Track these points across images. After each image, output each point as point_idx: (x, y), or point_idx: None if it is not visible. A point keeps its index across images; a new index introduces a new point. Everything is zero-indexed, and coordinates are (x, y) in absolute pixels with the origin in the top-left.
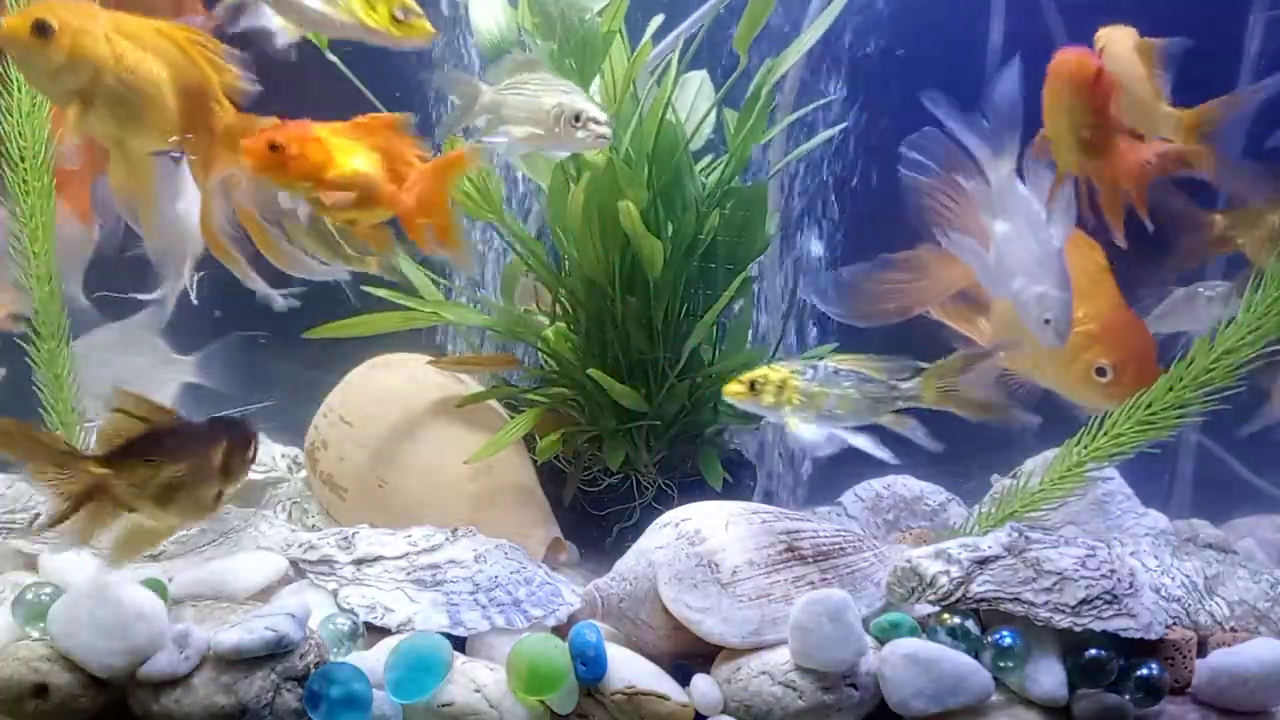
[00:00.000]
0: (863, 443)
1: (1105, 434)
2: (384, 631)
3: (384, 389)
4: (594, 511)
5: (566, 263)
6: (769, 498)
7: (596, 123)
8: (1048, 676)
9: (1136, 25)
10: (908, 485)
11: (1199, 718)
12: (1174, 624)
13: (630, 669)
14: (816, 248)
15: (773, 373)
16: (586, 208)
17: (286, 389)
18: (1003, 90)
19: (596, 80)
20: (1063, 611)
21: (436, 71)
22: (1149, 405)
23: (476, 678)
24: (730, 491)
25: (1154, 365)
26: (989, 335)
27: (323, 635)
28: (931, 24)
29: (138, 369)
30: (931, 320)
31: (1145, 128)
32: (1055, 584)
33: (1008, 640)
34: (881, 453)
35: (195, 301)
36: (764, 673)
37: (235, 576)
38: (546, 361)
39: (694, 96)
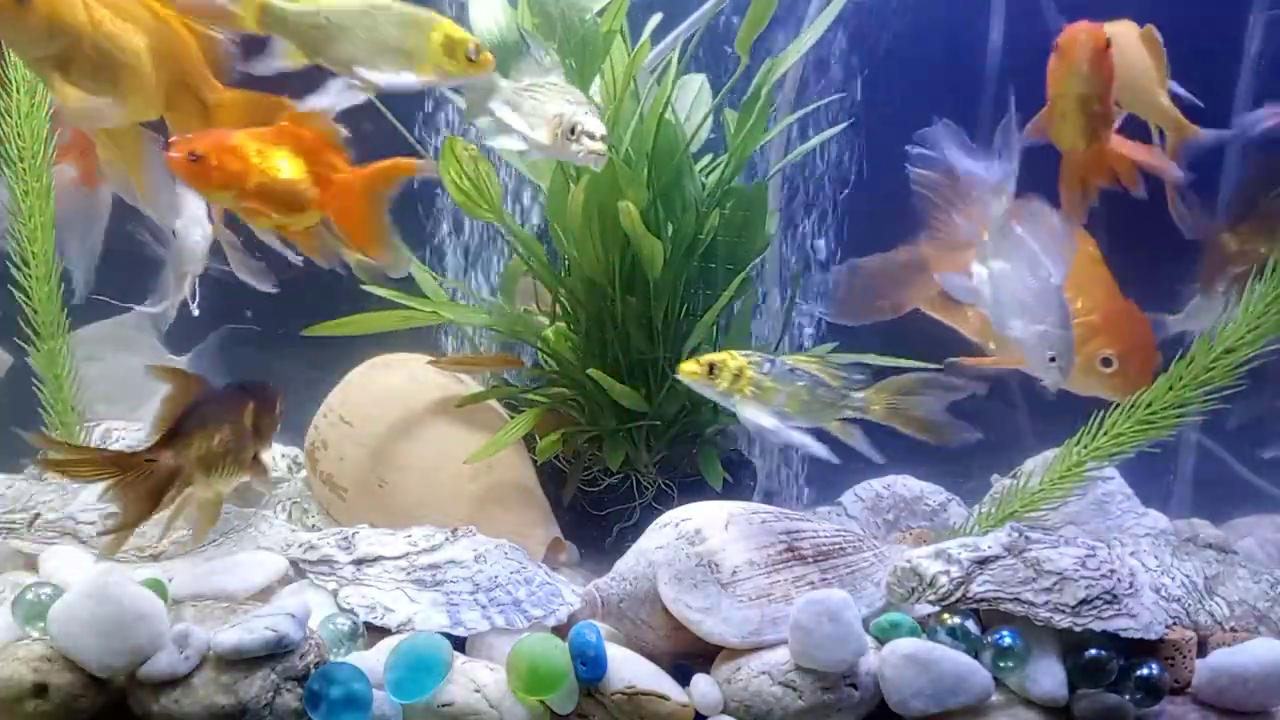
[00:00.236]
0: (802, 438)
1: (1105, 434)
2: (384, 631)
3: (384, 389)
4: (594, 511)
5: (566, 263)
6: (769, 498)
7: (590, 137)
8: (1048, 676)
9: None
10: (908, 485)
11: (1199, 718)
12: (1174, 624)
13: (630, 669)
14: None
15: (731, 359)
16: (586, 208)
17: (286, 389)
18: (1002, 134)
19: (596, 80)
20: (1063, 611)
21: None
22: (1149, 405)
23: (476, 678)
24: (730, 491)
25: (1155, 353)
26: (977, 329)
27: (323, 635)
28: (931, 24)
29: (131, 366)
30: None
31: (1145, 115)
32: (1055, 584)
33: (1008, 640)
34: (818, 450)
35: (196, 312)
36: (764, 673)
37: (235, 576)
38: (546, 361)
39: (693, 98)
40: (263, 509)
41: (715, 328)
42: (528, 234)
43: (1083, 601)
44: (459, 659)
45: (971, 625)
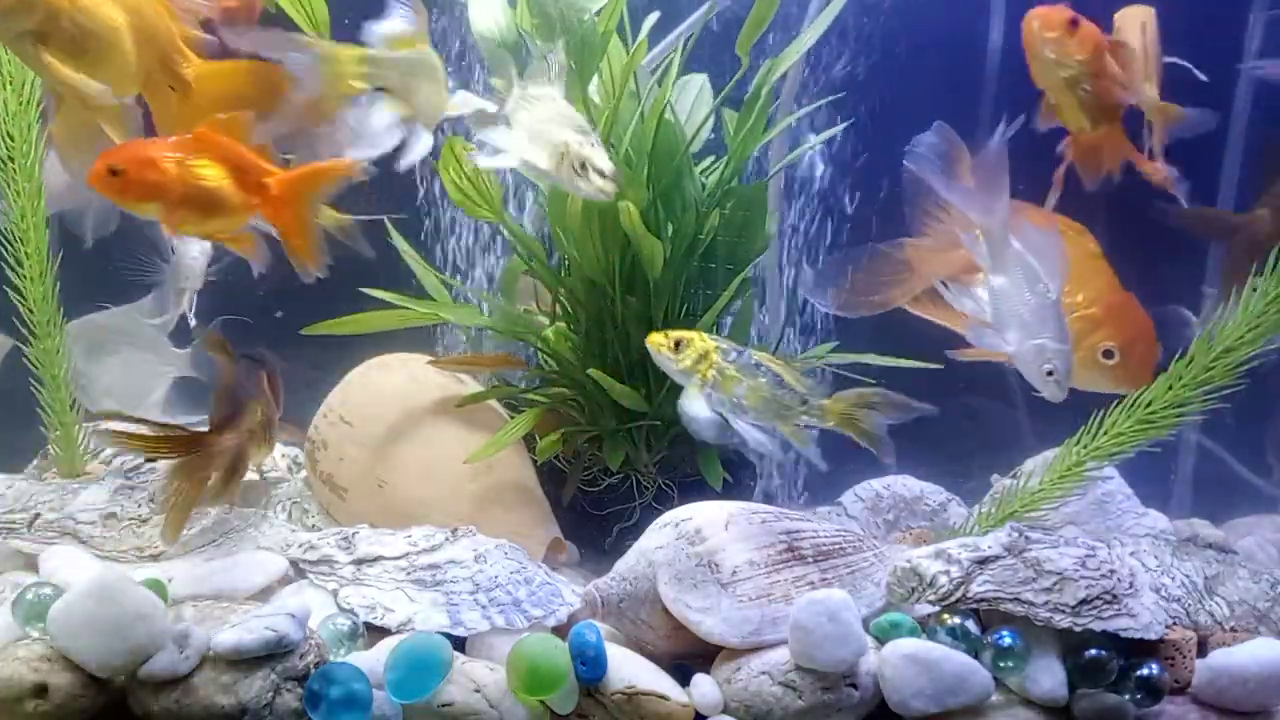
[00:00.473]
0: (750, 431)
1: (1105, 433)
2: (384, 631)
3: (384, 389)
4: (594, 511)
5: (566, 263)
6: (769, 498)
7: (602, 175)
8: (1048, 676)
9: None
10: (908, 485)
11: (1199, 718)
12: (1174, 624)
13: (630, 669)
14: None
15: (699, 340)
16: (586, 208)
17: (286, 389)
18: (991, 148)
19: (595, 79)
20: (1063, 611)
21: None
22: (1149, 404)
23: (476, 678)
24: (730, 491)
25: (1155, 344)
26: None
27: (323, 635)
28: (931, 24)
29: (133, 358)
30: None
31: (1135, 99)
32: (1055, 584)
33: (1008, 640)
34: (765, 447)
35: (194, 322)
36: (764, 673)
37: (235, 576)
38: (546, 361)
39: (694, 98)
40: (263, 509)
41: (715, 327)
42: (527, 234)
43: (1083, 601)
44: (459, 659)
45: (971, 625)
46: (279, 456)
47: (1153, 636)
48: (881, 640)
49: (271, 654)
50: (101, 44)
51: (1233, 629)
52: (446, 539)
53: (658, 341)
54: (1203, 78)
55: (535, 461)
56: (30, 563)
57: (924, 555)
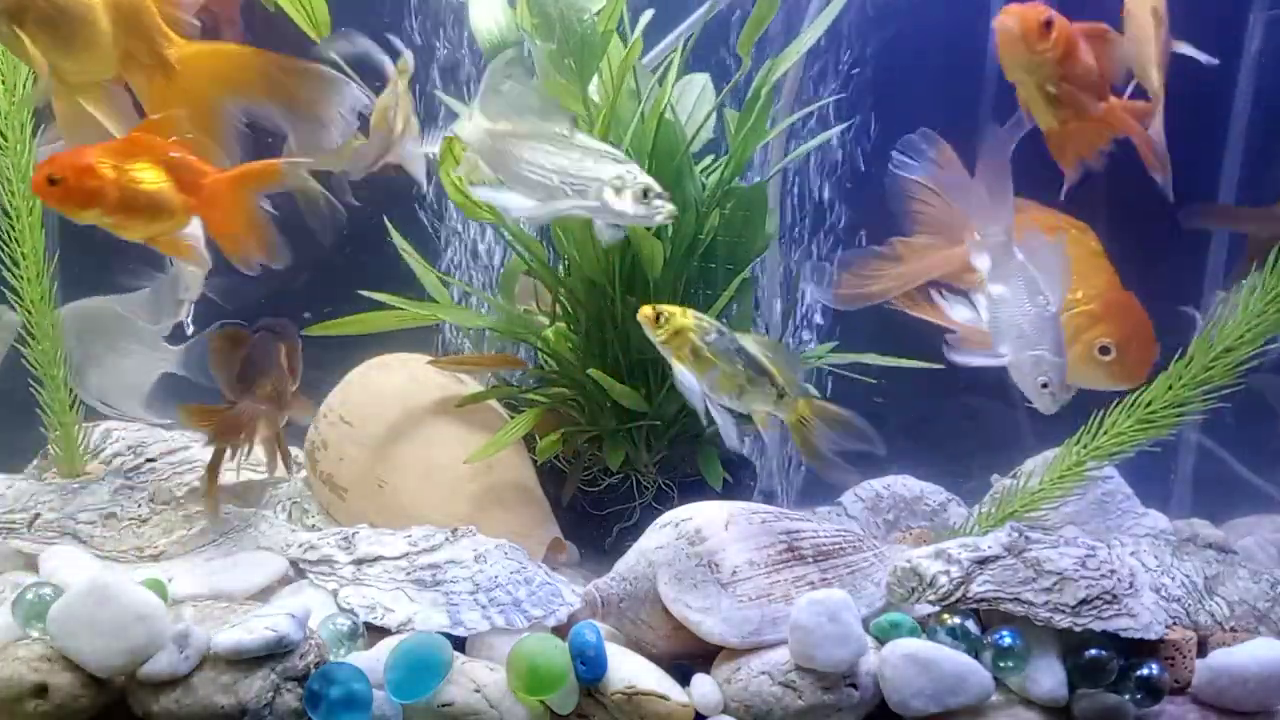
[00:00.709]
0: (718, 412)
1: (1105, 433)
2: (384, 631)
3: (384, 389)
4: (594, 511)
5: (566, 263)
6: (769, 498)
7: (661, 198)
8: (1048, 676)
9: None
10: (908, 485)
11: (1199, 718)
12: (1174, 624)
13: (630, 669)
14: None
15: (680, 316)
16: None
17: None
18: (992, 153)
19: (595, 79)
20: (1063, 611)
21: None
22: (1149, 404)
23: (476, 678)
24: (730, 491)
25: (1154, 343)
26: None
27: (323, 635)
28: (931, 24)
29: (125, 347)
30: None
31: (1143, 82)
32: (1055, 584)
33: (1008, 640)
34: (730, 432)
35: (191, 328)
36: (764, 673)
37: (235, 576)
38: (546, 361)
39: (695, 98)
40: (263, 509)
41: None
42: (528, 234)
43: (1083, 601)
44: (459, 659)
45: (971, 625)
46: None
47: (1153, 636)
48: (881, 640)
49: (271, 654)
50: (77, 22)
51: (1233, 629)
52: (446, 539)
53: (645, 314)
54: (1211, 60)
55: (535, 461)
56: (30, 563)
57: (924, 555)
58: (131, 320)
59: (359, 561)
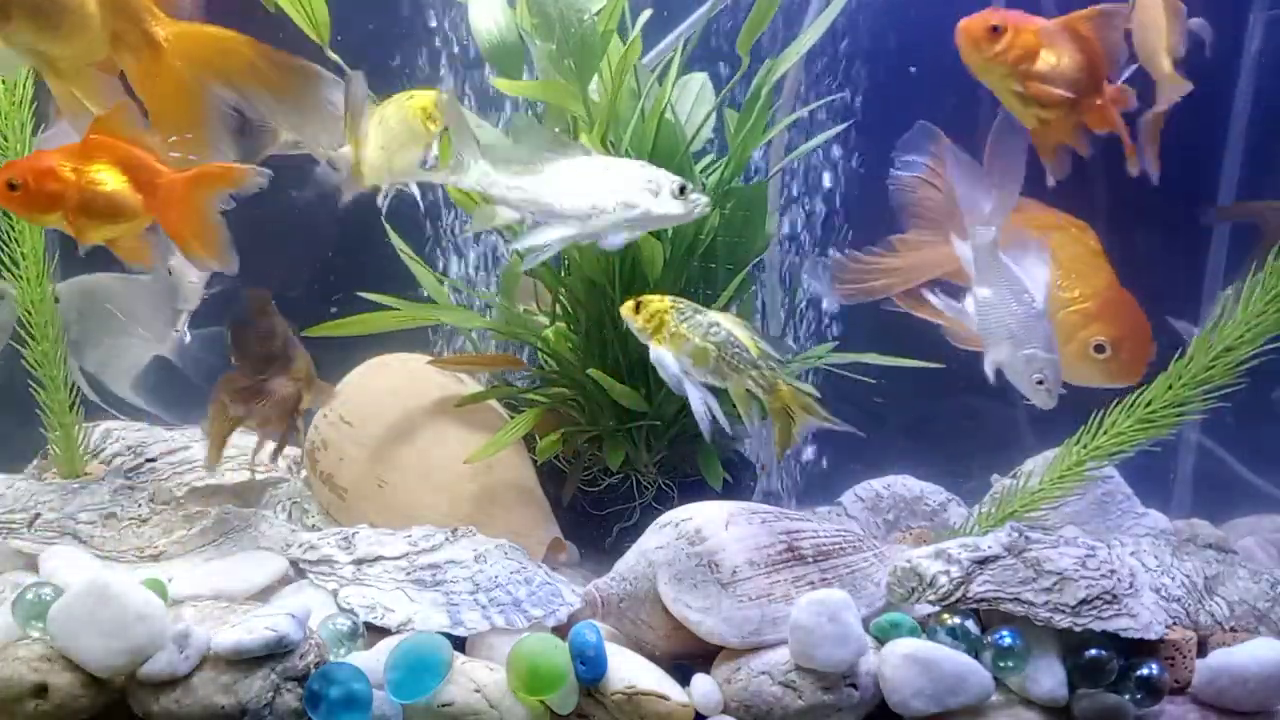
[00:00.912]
0: (693, 391)
1: (1105, 433)
2: (384, 631)
3: (384, 389)
4: (594, 511)
5: (566, 263)
6: (769, 498)
7: (696, 191)
8: (1048, 676)
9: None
10: (908, 485)
11: (1199, 718)
12: (1174, 624)
13: (630, 669)
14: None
15: (656, 303)
16: None
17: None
18: (995, 154)
19: (595, 79)
20: (1063, 611)
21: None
22: (1149, 404)
23: (476, 678)
24: (730, 491)
25: (1150, 342)
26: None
27: (323, 635)
28: (932, 24)
29: (123, 327)
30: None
31: (1149, 68)
32: (1055, 584)
33: (1008, 640)
34: (700, 412)
35: (188, 338)
36: (764, 673)
37: (235, 576)
38: (546, 361)
39: (695, 97)
40: (263, 509)
41: None
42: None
43: (1083, 601)
44: (459, 659)
45: (971, 625)
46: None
47: (1153, 636)
48: (881, 640)
49: (271, 654)
50: (64, 4)
51: (1233, 629)
52: (446, 539)
53: (627, 307)
54: (1203, 24)
55: (535, 461)
56: (30, 563)
57: (924, 555)
58: (132, 298)
59: (359, 561)
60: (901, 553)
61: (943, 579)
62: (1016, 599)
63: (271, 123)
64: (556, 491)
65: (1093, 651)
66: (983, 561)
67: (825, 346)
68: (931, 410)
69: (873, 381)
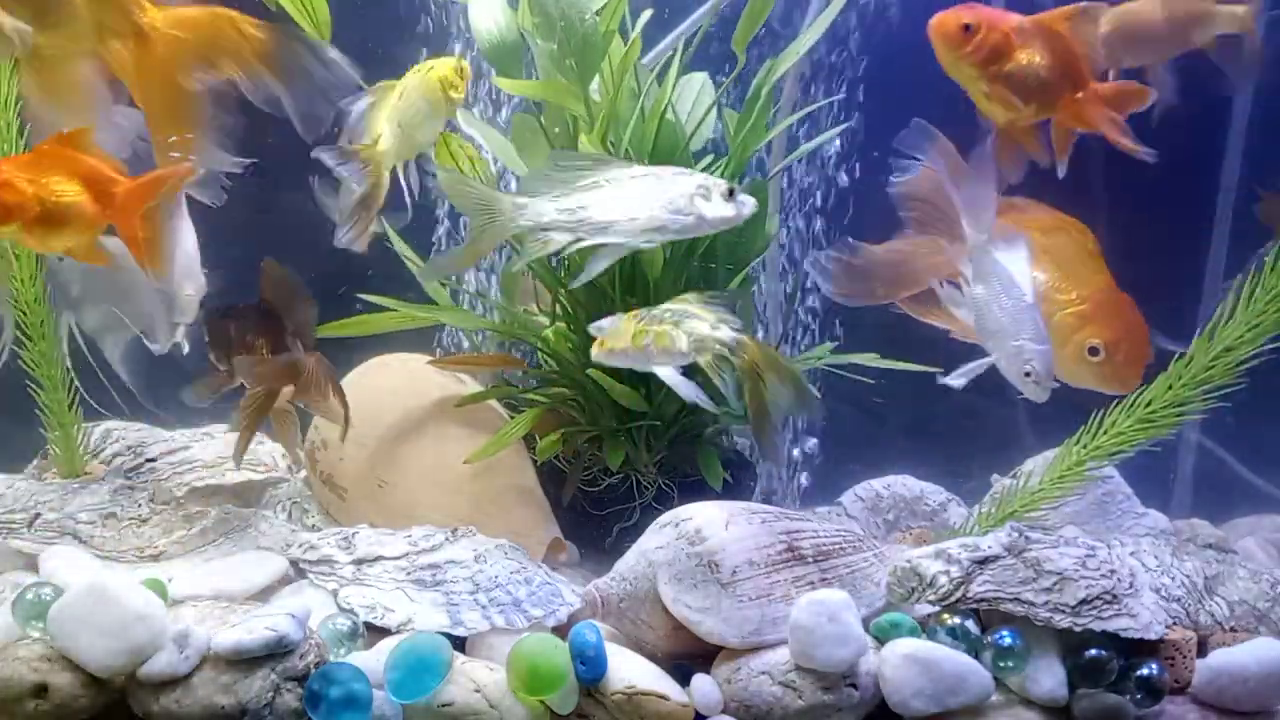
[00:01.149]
0: (673, 377)
1: (1105, 433)
2: (384, 631)
3: (384, 389)
4: (594, 511)
5: (566, 263)
6: (769, 498)
7: (743, 191)
8: (1048, 676)
9: None
10: (908, 485)
11: (1199, 718)
12: (1174, 624)
13: (630, 669)
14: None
15: (628, 323)
16: None
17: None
18: (978, 157)
19: (596, 79)
20: (1063, 611)
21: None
22: (1149, 403)
23: (476, 678)
24: (730, 492)
25: (1147, 344)
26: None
27: (323, 635)
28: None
29: (125, 292)
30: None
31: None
32: (1055, 584)
33: (1008, 640)
34: (686, 390)
35: (186, 349)
36: (764, 673)
37: (235, 576)
38: (546, 361)
39: (695, 97)
40: (263, 509)
41: None
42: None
43: (1083, 601)
44: (459, 659)
45: (971, 625)
46: (279, 456)
47: (1153, 636)
48: (881, 640)
49: (271, 654)
50: None
51: (1233, 629)
52: (446, 539)
53: (595, 351)
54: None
55: (535, 461)
56: (30, 563)
57: (924, 555)
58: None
59: (359, 561)
60: (901, 553)
61: (943, 579)
62: (1016, 599)
63: (266, 96)
64: (556, 491)
65: (1093, 651)
66: (983, 561)
67: (825, 347)
68: (931, 410)
69: (872, 382)
